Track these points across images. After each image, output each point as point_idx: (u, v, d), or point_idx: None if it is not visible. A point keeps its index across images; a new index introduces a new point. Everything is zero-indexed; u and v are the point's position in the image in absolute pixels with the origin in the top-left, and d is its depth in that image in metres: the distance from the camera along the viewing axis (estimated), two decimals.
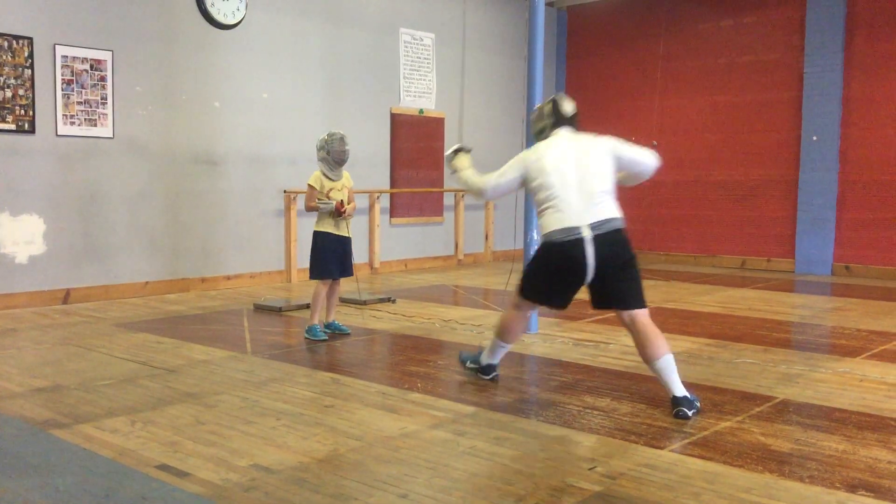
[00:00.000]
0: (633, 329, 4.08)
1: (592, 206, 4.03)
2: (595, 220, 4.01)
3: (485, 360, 4.64)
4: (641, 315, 4.07)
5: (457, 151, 4.74)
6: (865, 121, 9.94)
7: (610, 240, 4.01)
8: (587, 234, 3.97)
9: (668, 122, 11.64)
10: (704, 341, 5.83)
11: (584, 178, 4.08)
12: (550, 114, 4.35)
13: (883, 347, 5.66)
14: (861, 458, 3.37)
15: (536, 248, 4.33)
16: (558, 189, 4.08)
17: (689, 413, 3.90)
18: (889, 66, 9.77)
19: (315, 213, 5.97)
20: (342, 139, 5.83)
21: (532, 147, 4.37)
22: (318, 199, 5.82)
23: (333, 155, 5.80)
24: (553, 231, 4.06)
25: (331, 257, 5.87)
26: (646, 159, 4.26)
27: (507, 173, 4.32)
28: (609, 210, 4.08)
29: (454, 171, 4.70)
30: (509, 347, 4.58)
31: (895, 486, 3.07)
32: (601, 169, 4.13)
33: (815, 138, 10.24)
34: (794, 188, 10.49)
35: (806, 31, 10.26)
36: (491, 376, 4.64)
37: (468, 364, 4.73)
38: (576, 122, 4.37)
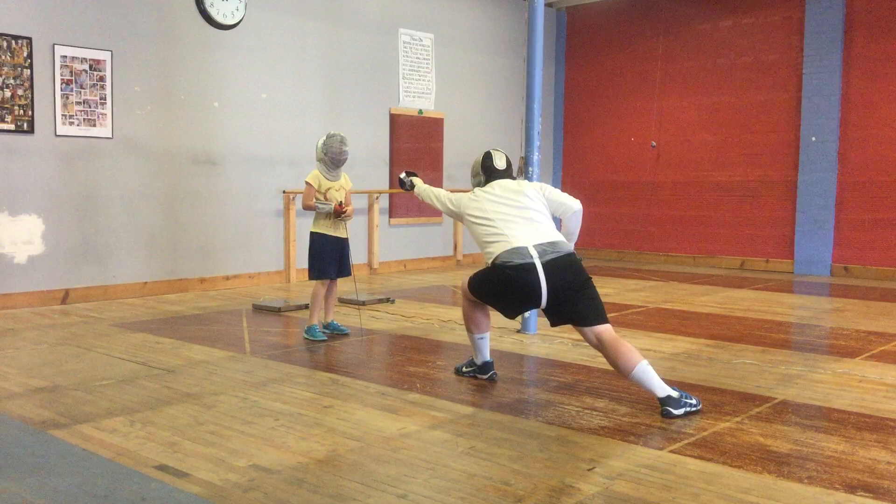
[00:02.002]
0: (601, 346, 4.09)
1: (534, 231, 4.20)
2: (540, 242, 4.13)
3: (477, 359, 4.69)
4: (606, 331, 4.08)
5: (409, 174, 5.12)
6: (864, 122, 9.95)
7: (562, 265, 4.09)
8: (535, 255, 4.08)
9: (667, 123, 11.65)
10: (703, 342, 5.84)
11: (522, 208, 4.30)
12: (483, 169, 4.63)
13: (882, 348, 5.66)
14: (860, 458, 3.37)
15: (487, 269, 4.35)
16: (499, 220, 4.28)
17: (676, 412, 3.92)
18: (888, 66, 9.77)
19: (312, 213, 5.96)
20: (342, 140, 5.81)
21: (471, 193, 4.65)
22: (317, 200, 5.81)
23: (331, 155, 5.77)
24: (502, 254, 4.16)
25: (328, 258, 5.86)
26: (569, 201, 4.45)
27: (451, 201, 4.68)
28: (552, 233, 4.23)
29: (412, 187, 5.04)
30: (487, 336, 4.65)
31: (894, 486, 3.07)
32: (536, 203, 4.36)
33: (813, 139, 10.24)
34: (793, 189, 10.50)
35: (805, 32, 10.27)
36: (489, 375, 4.66)
37: (464, 370, 4.78)
38: (510, 175, 4.64)
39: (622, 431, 3.72)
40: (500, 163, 4.63)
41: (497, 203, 4.38)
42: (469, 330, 4.65)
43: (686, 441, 3.58)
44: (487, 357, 4.67)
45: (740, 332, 6.25)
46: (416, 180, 5.06)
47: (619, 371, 4.07)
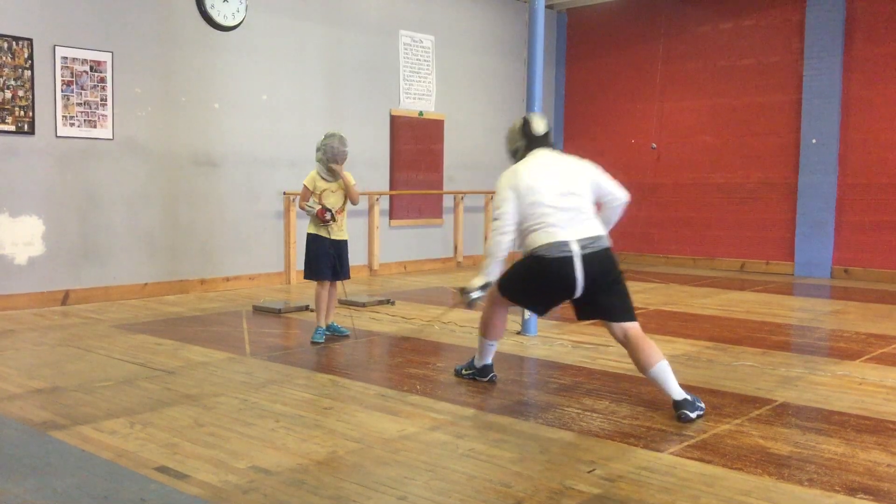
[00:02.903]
0: (626, 342, 4.09)
1: (579, 224, 4.08)
2: (583, 237, 4.05)
3: (478, 362, 4.66)
4: (633, 328, 4.08)
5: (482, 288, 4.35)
6: (865, 124, 9.95)
7: (599, 258, 4.05)
8: (576, 250, 4.00)
9: (667, 125, 11.65)
10: (704, 344, 5.83)
11: (568, 196, 4.11)
12: (523, 135, 4.36)
13: (882, 350, 5.66)
14: (860, 461, 3.37)
15: (522, 260, 4.25)
16: (545, 207, 4.08)
17: (692, 415, 3.91)
18: (888, 68, 9.77)
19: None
20: (342, 139, 5.76)
21: (510, 169, 4.28)
22: (307, 202, 5.77)
23: (328, 153, 5.71)
24: (541, 246, 4.06)
25: (322, 259, 5.80)
26: (618, 192, 4.30)
27: (504, 207, 4.15)
28: (596, 227, 4.13)
29: (482, 287, 4.32)
30: (497, 344, 4.60)
31: (894, 489, 3.07)
32: (583, 189, 4.18)
33: (814, 141, 10.24)
34: (793, 191, 10.50)
35: (805, 34, 10.27)
36: (488, 377, 4.64)
37: (463, 372, 4.76)
38: (550, 142, 4.39)
39: (622, 433, 3.72)
40: (539, 127, 4.35)
41: (546, 181, 4.12)
42: (482, 333, 4.57)
43: (686, 443, 3.58)
44: (489, 361, 4.65)
45: (740, 334, 6.25)
46: (476, 284, 4.29)
47: (639, 367, 4.06)
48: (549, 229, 4.06)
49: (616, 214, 4.33)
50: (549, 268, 4.04)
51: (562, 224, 4.06)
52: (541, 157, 4.27)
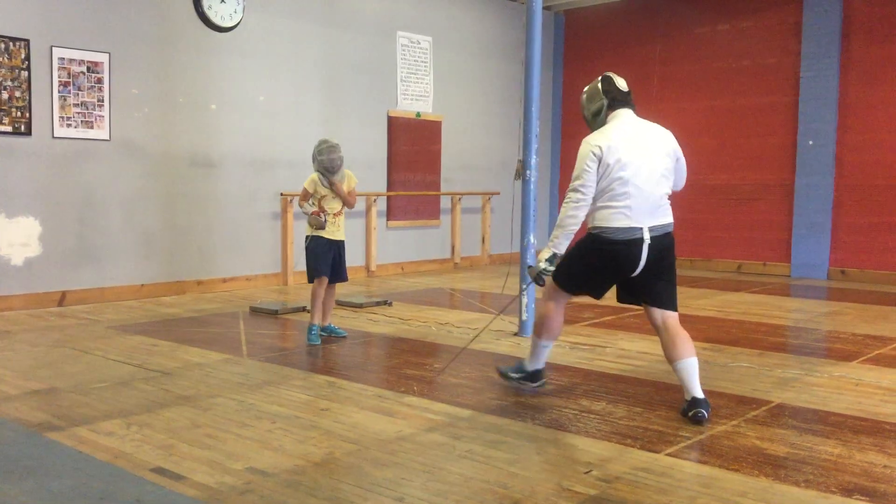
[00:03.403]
0: (664, 329, 4.06)
1: (656, 210, 4.00)
2: (655, 224, 3.99)
3: (529, 365, 4.45)
4: (673, 317, 4.07)
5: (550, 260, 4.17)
6: (861, 125, 9.97)
7: (663, 243, 4.02)
8: (647, 237, 3.95)
9: (664, 126, 11.64)
10: (700, 345, 5.83)
11: (653, 178, 3.99)
12: (605, 92, 4.11)
13: (878, 351, 5.67)
14: (857, 462, 3.37)
15: (584, 238, 4.10)
16: (632, 187, 3.92)
17: (707, 415, 3.89)
18: (885, 70, 9.79)
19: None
20: (332, 147, 5.76)
21: (600, 134, 4.03)
22: (307, 202, 5.87)
23: (322, 164, 5.77)
24: (612, 227, 3.95)
25: (323, 257, 5.85)
26: (683, 179, 4.25)
27: (584, 179, 3.96)
28: (668, 213, 4.08)
29: (549, 259, 4.14)
30: (552, 345, 4.40)
31: (891, 490, 3.07)
32: (667, 169, 4.06)
33: (811, 143, 10.26)
34: (790, 192, 10.51)
35: (802, 36, 10.29)
36: (539, 383, 4.43)
37: (511, 374, 4.50)
38: (632, 102, 4.18)
39: (619, 434, 3.72)
40: (623, 85, 4.12)
41: (639, 158, 3.93)
42: (538, 334, 4.35)
43: (683, 444, 3.58)
44: (541, 365, 4.43)
45: (737, 335, 6.26)
46: (543, 256, 4.13)
47: (668, 356, 4.04)
48: (628, 212, 3.94)
49: (675, 189, 4.26)
50: (615, 247, 3.96)
51: (643, 209, 3.95)
52: (629, 123, 4.07)
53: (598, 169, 3.94)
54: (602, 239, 4.00)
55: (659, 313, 4.07)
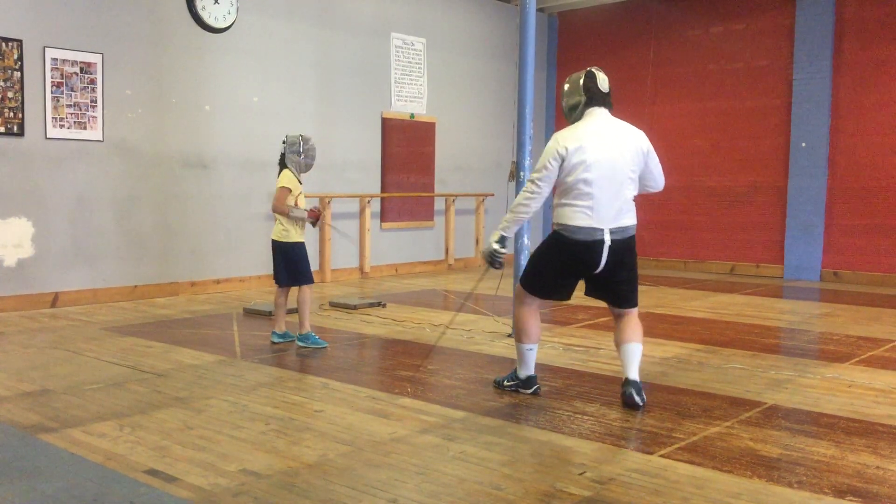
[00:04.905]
0: (620, 319, 4.32)
1: (619, 212, 4.11)
2: (617, 226, 4.10)
3: (521, 372, 4.46)
4: (632, 312, 4.33)
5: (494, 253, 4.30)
6: (854, 127, 10.00)
7: (624, 246, 4.17)
8: (607, 239, 4.08)
9: (658, 128, 11.66)
10: (694, 347, 5.85)
11: (617, 180, 4.05)
12: (586, 89, 4.11)
13: (871, 353, 5.69)
14: (849, 463, 3.39)
15: (548, 237, 4.26)
16: (592, 188, 4.00)
17: (636, 398, 4.08)
18: (877, 72, 9.83)
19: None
20: (310, 140, 5.73)
21: (567, 131, 4.09)
22: (293, 208, 5.57)
23: (310, 159, 5.69)
24: (574, 226, 4.06)
25: (307, 262, 5.69)
26: (660, 181, 4.31)
27: (544, 174, 4.05)
28: (631, 216, 4.20)
29: (499, 241, 4.28)
30: (535, 348, 4.43)
31: (883, 491, 3.08)
32: (634, 171, 4.12)
33: (803, 145, 10.29)
34: (783, 194, 10.55)
35: (795, 39, 10.32)
36: (533, 389, 4.43)
37: (505, 383, 4.52)
38: (610, 102, 4.19)
39: (613, 436, 3.72)
40: (604, 85, 4.14)
41: (602, 158, 3.97)
42: (519, 339, 4.40)
43: (676, 445, 3.59)
44: (532, 370, 4.44)
45: (730, 336, 6.27)
46: (493, 239, 4.26)
47: (616, 340, 4.30)
48: (590, 212, 4.03)
49: (650, 191, 4.36)
50: (575, 248, 4.10)
51: (605, 211, 4.04)
52: (599, 123, 4.08)
53: (560, 167, 4.05)
54: (563, 237, 4.14)
55: (619, 310, 4.33)
